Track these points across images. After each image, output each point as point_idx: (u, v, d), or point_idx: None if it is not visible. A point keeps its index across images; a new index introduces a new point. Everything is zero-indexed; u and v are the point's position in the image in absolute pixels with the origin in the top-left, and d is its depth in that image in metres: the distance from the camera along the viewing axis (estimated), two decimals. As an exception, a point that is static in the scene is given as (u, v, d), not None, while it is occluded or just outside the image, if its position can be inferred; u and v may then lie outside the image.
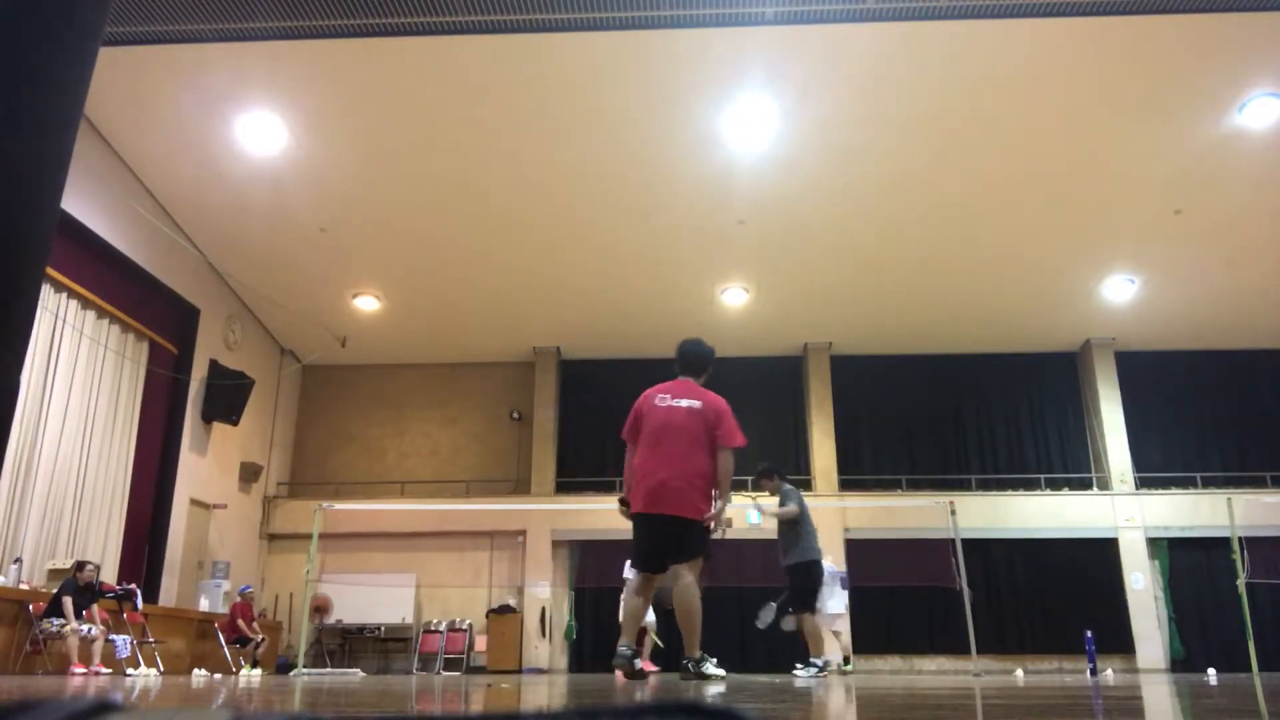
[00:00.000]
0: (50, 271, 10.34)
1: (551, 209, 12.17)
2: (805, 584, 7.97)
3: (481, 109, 10.45)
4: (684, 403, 5.39)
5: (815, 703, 2.50)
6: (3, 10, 0.85)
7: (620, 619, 5.31)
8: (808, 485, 15.01)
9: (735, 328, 14.79)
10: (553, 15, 9.11)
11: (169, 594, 12.65)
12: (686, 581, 5.15)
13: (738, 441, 5.31)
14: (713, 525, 5.26)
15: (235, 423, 13.88)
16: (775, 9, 9.05)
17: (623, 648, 5.16)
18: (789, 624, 8.74)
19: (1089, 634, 11.12)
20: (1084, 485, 15.02)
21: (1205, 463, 14.96)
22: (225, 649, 12.08)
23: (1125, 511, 14.37)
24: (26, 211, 0.85)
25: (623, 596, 5.41)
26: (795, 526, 7.95)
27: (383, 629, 14.38)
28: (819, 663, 8.00)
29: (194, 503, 13.36)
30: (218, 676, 9.90)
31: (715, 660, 5.38)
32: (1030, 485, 15.02)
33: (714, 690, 3.68)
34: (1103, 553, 14.24)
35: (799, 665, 8.31)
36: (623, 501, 5.44)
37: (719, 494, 5.30)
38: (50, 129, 0.89)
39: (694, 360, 5.67)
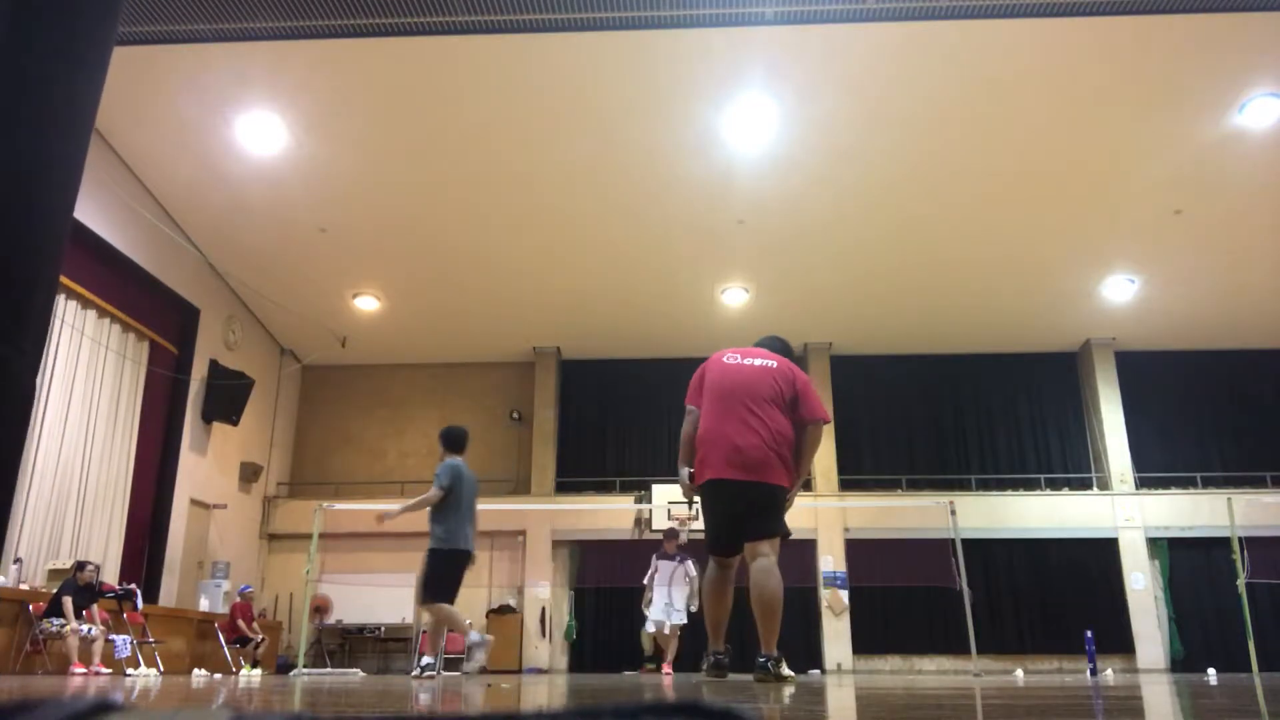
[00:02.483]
0: (50, 271, 10.32)
1: (552, 209, 12.17)
2: (441, 572, 7.43)
3: (481, 109, 10.45)
4: (757, 361, 4.90)
5: (815, 704, 2.50)
6: (13, 3, 0.84)
7: (707, 621, 4.84)
8: (807, 485, 15.01)
9: (735, 328, 14.78)
10: (553, 15, 9.11)
11: (169, 594, 12.65)
12: (768, 562, 4.57)
13: (823, 415, 4.80)
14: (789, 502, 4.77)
15: (235, 423, 13.88)
16: (775, 9, 9.05)
17: (716, 655, 4.72)
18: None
19: (1089, 634, 11.12)
20: (1084, 485, 15.02)
21: (1205, 463, 14.96)
22: (225, 649, 12.08)
23: (1125, 511, 14.37)
24: (40, 212, 0.85)
25: (702, 593, 4.88)
26: (443, 508, 7.41)
27: (383, 629, 14.38)
28: (426, 661, 7.47)
29: (194, 503, 13.36)
30: (218, 676, 9.90)
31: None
32: (1030, 485, 15.02)
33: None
34: (1103, 553, 14.24)
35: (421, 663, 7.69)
36: (691, 477, 4.86)
37: (797, 470, 4.79)
38: (64, 126, 0.88)
39: (771, 343, 5.20)
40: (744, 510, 4.67)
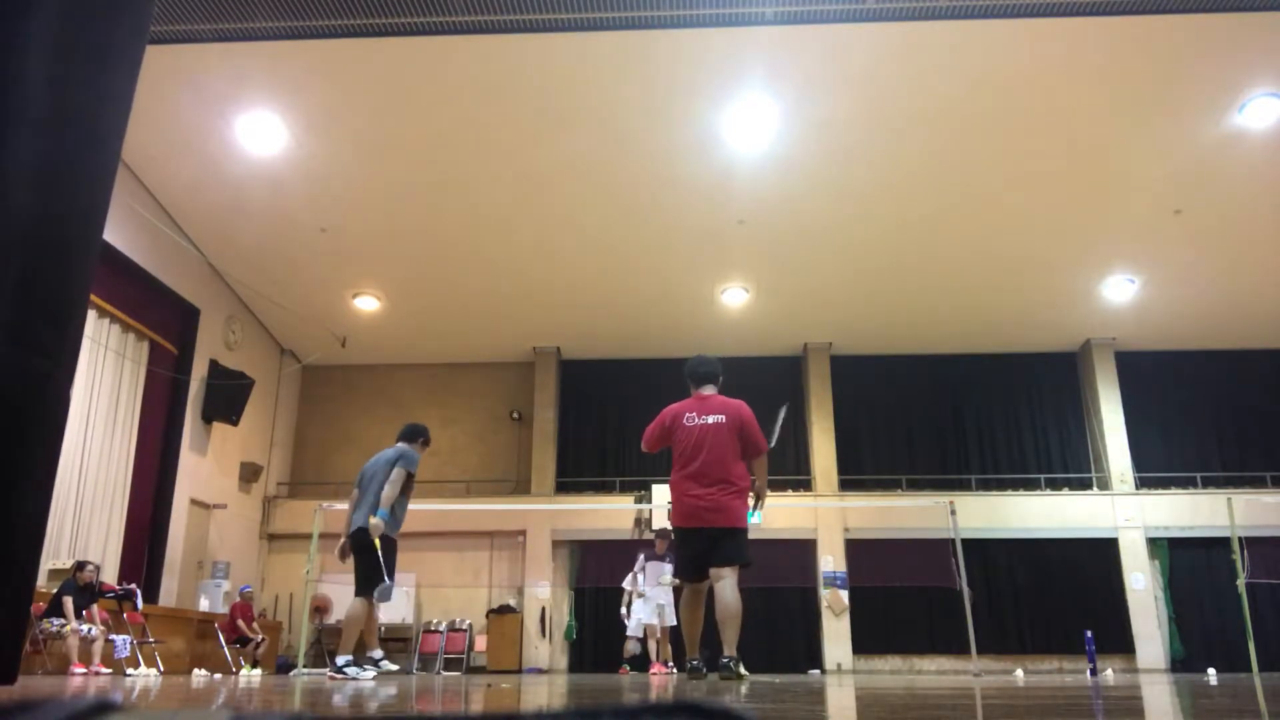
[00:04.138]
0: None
1: (552, 209, 12.17)
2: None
3: (481, 109, 10.44)
4: (711, 418, 5.67)
5: (814, 704, 2.50)
6: (63, 9, 0.84)
7: (684, 634, 5.74)
8: (808, 485, 15.01)
9: (735, 328, 14.78)
10: (553, 15, 9.11)
11: (169, 594, 12.64)
12: (729, 583, 5.41)
13: (762, 450, 5.72)
14: (757, 508, 5.80)
15: (235, 423, 13.87)
16: (775, 9, 9.05)
17: (694, 661, 5.55)
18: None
19: (1089, 634, 11.11)
20: (1084, 485, 15.01)
21: (1205, 463, 14.95)
22: (225, 649, 12.08)
23: (1125, 511, 14.37)
24: (79, 222, 0.84)
25: (679, 611, 5.91)
26: None
27: (383, 629, 14.36)
28: (350, 658, 7.03)
29: (194, 503, 13.36)
30: (218, 676, 9.90)
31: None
32: (1030, 485, 15.01)
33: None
34: (1103, 553, 14.23)
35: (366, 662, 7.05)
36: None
37: (757, 493, 5.78)
38: (100, 135, 0.88)
39: (705, 375, 5.95)
40: (709, 548, 5.51)
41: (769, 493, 6.03)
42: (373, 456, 7.61)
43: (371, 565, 7.06)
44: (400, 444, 7.55)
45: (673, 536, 5.99)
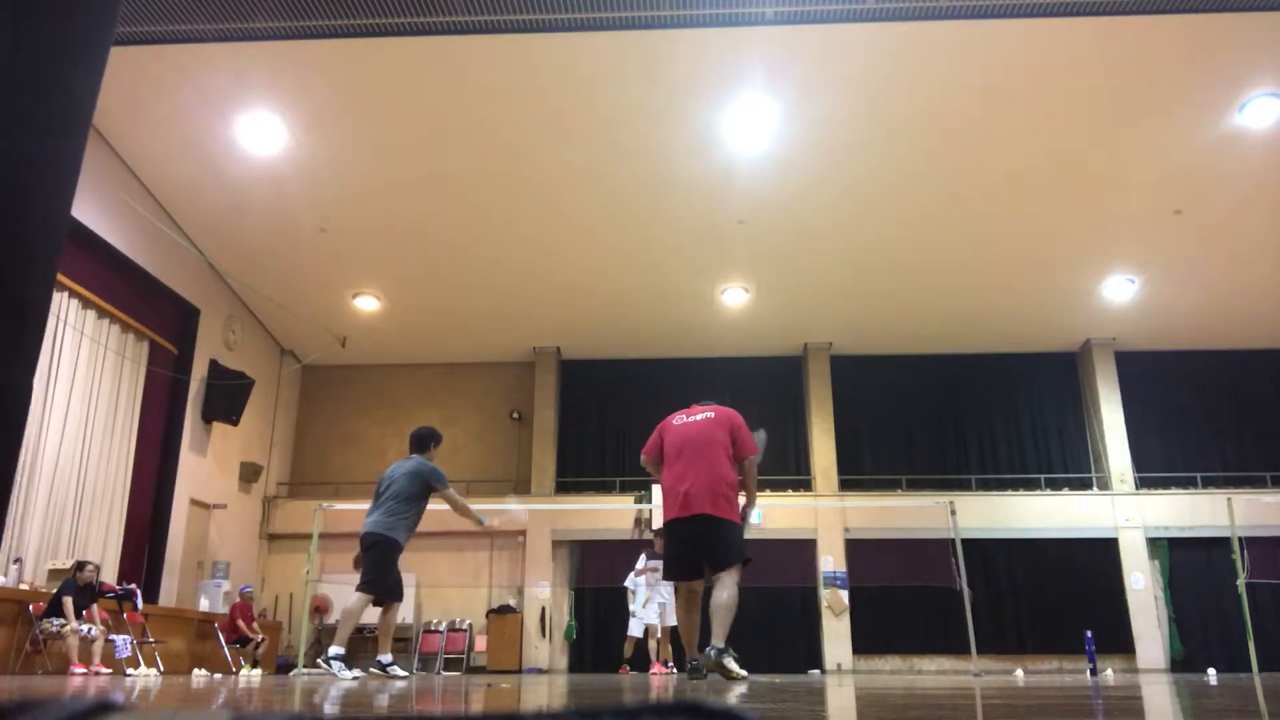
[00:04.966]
0: (50, 271, 10.30)
1: (551, 209, 12.17)
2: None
3: (481, 109, 10.45)
4: (700, 416, 5.81)
5: (814, 704, 2.50)
6: (12, 6, 0.84)
7: (681, 637, 5.76)
8: (808, 485, 15.01)
9: (735, 328, 14.78)
10: (553, 15, 9.11)
11: (169, 594, 12.64)
12: (729, 580, 5.41)
13: (751, 451, 5.70)
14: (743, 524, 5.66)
15: (235, 423, 13.88)
16: (775, 9, 9.05)
17: (694, 661, 5.52)
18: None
19: (1089, 634, 11.12)
20: (1084, 485, 15.01)
21: (1205, 463, 14.95)
22: (225, 649, 12.08)
23: (1125, 511, 14.37)
24: (36, 216, 0.84)
25: (676, 614, 5.99)
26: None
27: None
28: (341, 651, 7.06)
29: (194, 503, 13.36)
30: (218, 676, 9.90)
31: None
32: (1030, 485, 15.02)
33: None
34: (1103, 553, 14.23)
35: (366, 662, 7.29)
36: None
37: (746, 499, 5.71)
38: (61, 129, 0.88)
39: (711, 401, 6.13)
40: (701, 542, 5.45)
41: (767, 493, 5.96)
42: (391, 465, 7.66)
43: (384, 569, 7.19)
44: (415, 455, 7.57)
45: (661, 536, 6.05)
